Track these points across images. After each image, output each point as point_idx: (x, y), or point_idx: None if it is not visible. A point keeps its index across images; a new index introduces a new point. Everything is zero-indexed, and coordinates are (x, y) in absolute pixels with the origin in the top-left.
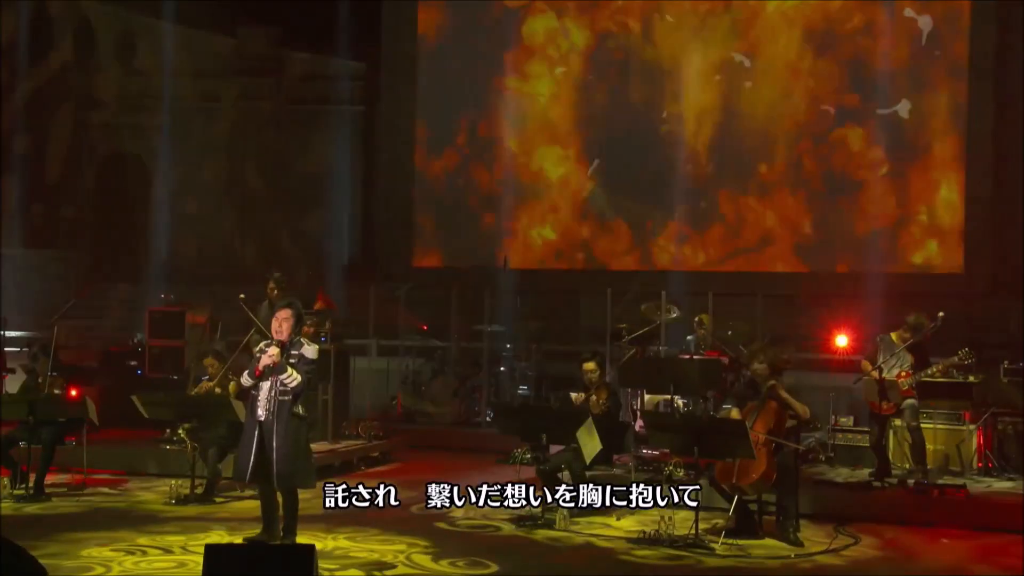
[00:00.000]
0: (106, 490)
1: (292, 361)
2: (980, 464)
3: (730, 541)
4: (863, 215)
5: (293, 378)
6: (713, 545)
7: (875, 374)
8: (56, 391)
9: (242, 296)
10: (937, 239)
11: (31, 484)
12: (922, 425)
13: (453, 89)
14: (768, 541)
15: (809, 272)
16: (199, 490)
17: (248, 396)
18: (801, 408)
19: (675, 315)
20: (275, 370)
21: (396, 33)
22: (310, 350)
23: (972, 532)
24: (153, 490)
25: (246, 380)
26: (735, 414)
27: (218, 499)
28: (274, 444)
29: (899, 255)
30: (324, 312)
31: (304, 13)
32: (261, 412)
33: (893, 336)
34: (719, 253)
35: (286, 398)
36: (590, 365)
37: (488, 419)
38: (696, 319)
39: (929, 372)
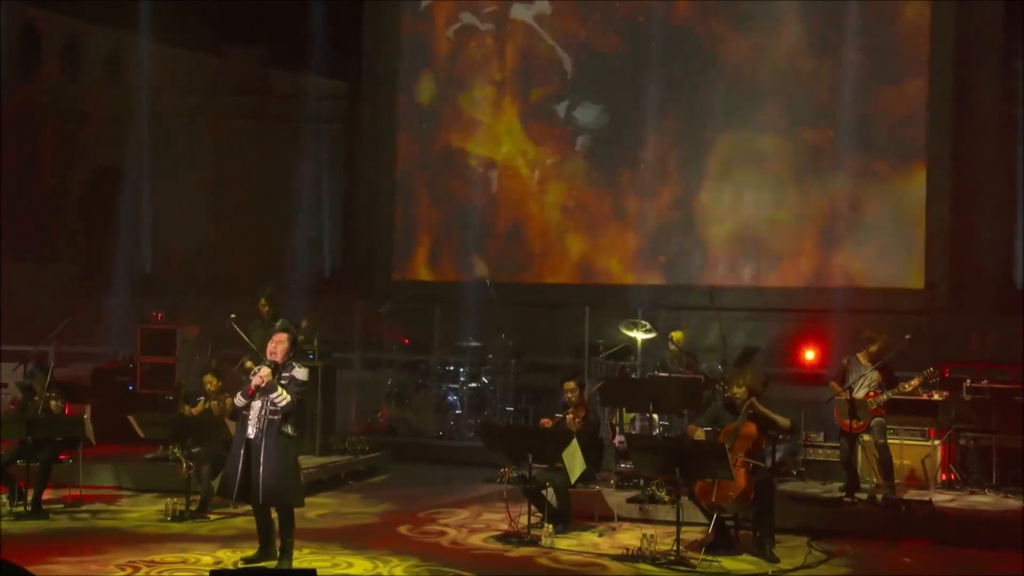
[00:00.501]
0: (102, 506)
1: (283, 382)
2: (944, 477)
3: (709, 557)
4: (826, 230)
5: (283, 397)
6: (694, 562)
7: (845, 395)
8: (54, 410)
9: (232, 316)
10: (899, 256)
11: (29, 501)
12: (889, 441)
13: (432, 104)
14: (745, 556)
15: (777, 287)
16: (193, 506)
17: (240, 415)
18: (782, 421)
19: (650, 332)
20: (265, 390)
21: (376, 51)
22: (301, 372)
23: (938, 546)
24: (148, 506)
25: (239, 400)
26: (700, 434)
27: (212, 515)
28: (261, 461)
29: (860, 271)
30: (312, 328)
31: (287, 34)
32: (251, 430)
33: (860, 356)
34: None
35: (275, 417)
36: (570, 385)
37: (470, 435)
38: (669, 336)
39: (897, 390)
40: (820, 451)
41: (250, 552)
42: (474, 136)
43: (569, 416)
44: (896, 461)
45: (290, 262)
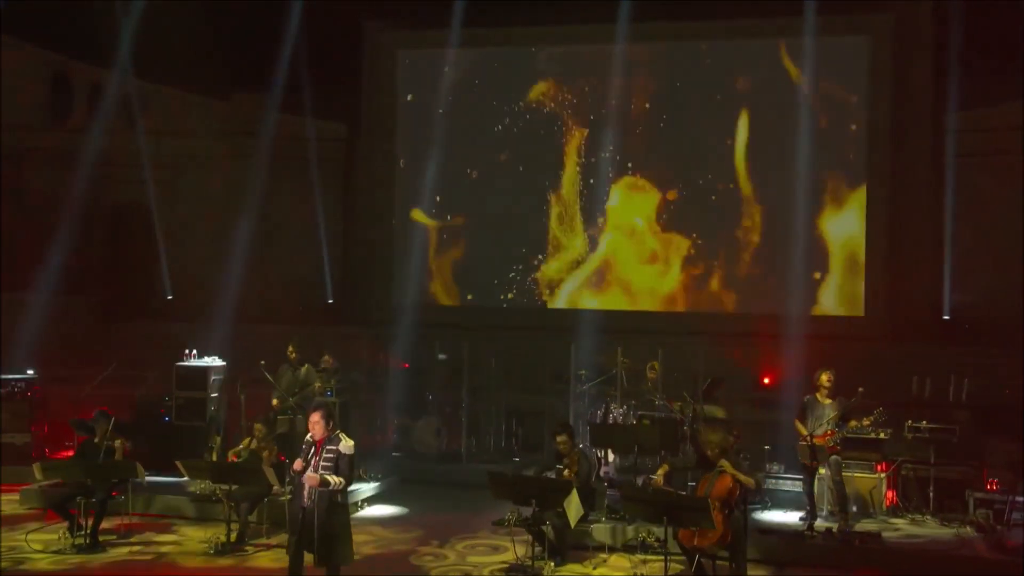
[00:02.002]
0: (151, 535)
1: (329, 457)
2: (888, 504)
3: None
4: (776, 261)
5: (338, 484)
6: None
7: (807, 439)
8: (117, 453)
9: (263, 362)
10: (840, 284)
11: (87, 531)
12: (844, 474)
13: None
14: None
15: (733, 313)
16: (233, 536)
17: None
18: (747, 480)
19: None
20: (321, 484)
21: (375, 97)
22: (346, 446)
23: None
24: (193, 535)
25: (297, 466)
26: (661, 472)
27: (248, 547)
28: (315, 525)
29: (807, 298)
30: (331, 370)
31: (290, 80)
32: (305, 499)
33: (817, 396)
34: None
35: (326, 488)
36: (562, 438)
37: (464, 453)
38: (648, 365)
39: (850, 427)
40: (782, 482)
41: None
42: None
43: (566, 472)
44: (848, 490)
45: (296, 290)
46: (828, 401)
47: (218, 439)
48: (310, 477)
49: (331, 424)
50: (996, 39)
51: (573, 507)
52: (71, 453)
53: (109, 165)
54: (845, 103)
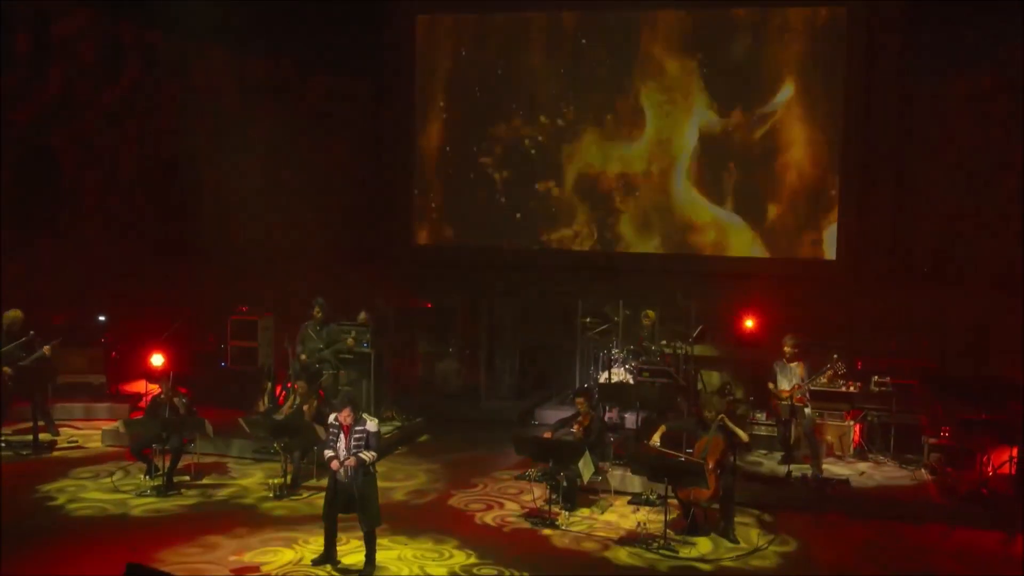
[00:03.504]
0: (217, 476)
1: (359, 437)
2: (855, 446)
3: (691, 539)
4: (751, 202)
5: (371, 456)
6: (675, 545)
7: (782, 398)
8: (179, 408)
9: (286, 344)
10: (813, 228)
11: (163, 473)
12: (816, 422)
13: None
14: (712, 536)
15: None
16: (288, 480)
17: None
18: (743, 435)
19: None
20: (357, 463)
21: (396, 55)
22: (372, 424)
23: (852, 517)
24: (253, 477)
25: (335, 465)
26: (658, 434)
27: (302, 491)
28: (353, 495)
29: (780, 242)
30: (367, 325)
31: (323, 40)
32: (341, 472)
33: (785, 361)
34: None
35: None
36: (580, 400)
37: (483, 395)
38: (643, 313)
39: (813, 380)
40: (763, 427)
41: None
42: None
43: (576, 428)
44: (821, 437)
45: (328, 234)
46: (794, 364)
47: (269, 384)
48: (349, 460)
49: (358, 412)
50: None
51: (586, 465)
52: (142, 390)
53: (158, 119)
54: None
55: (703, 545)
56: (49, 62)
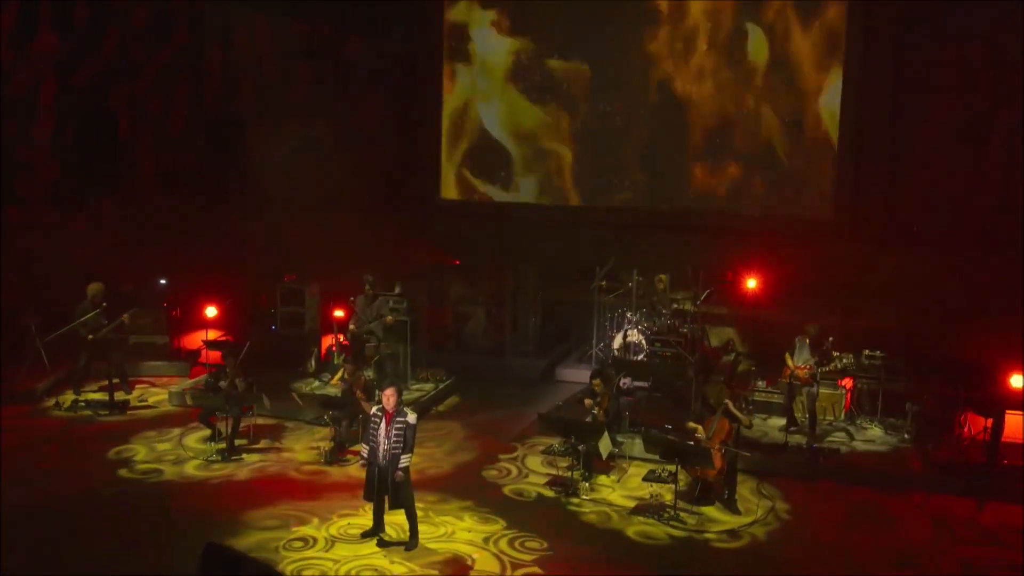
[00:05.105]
0: (271, 440)
1: (399, 428)
2: (846, 410)
3: (697, 509)
4: (755, 163)
5: (408, 460)
6: (684, 516)
7: (794, 371)
8: (239, 387)
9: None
10: (811, 187)
11: (226, 437)
12: (810, 390)
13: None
14: (717, 505)
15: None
16: (335, 445)
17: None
18: (746, 419)
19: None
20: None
21: (431, 20)
22: (412, 417)
23: (843, 484)
24: (305, 441)
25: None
26: (697, 427)
27: (349, 456)
28: (388, 482)
29: (777, 201)
30: (404, 297)
31: (359, 6)
32: (380, 458)
33: (806, 340)
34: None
35: (397, 451)
36: (596, 381)
37: (508, 347)
38: (656, 278)
39: (824, 368)
40: (764, 395)
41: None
42: None
43: (596, 410)
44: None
45: (361, 186)
46: (810, 348)
47: (315, 349)
48: (397, 473)
49: (400, 397)
50: None
51: (604, 444)
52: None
53: (208, 81)
54: None
55: (709, 514)
56: (104, 28)
